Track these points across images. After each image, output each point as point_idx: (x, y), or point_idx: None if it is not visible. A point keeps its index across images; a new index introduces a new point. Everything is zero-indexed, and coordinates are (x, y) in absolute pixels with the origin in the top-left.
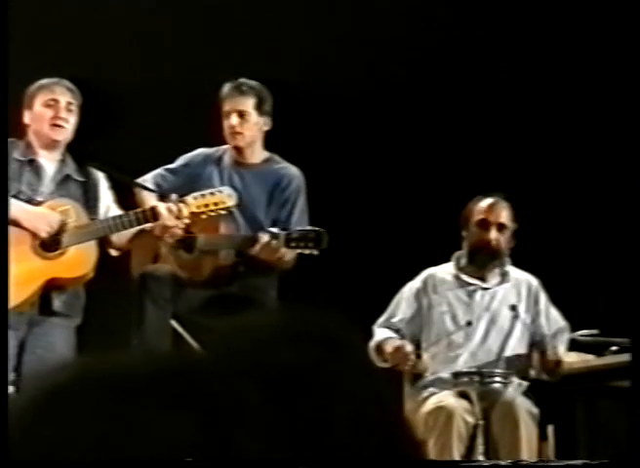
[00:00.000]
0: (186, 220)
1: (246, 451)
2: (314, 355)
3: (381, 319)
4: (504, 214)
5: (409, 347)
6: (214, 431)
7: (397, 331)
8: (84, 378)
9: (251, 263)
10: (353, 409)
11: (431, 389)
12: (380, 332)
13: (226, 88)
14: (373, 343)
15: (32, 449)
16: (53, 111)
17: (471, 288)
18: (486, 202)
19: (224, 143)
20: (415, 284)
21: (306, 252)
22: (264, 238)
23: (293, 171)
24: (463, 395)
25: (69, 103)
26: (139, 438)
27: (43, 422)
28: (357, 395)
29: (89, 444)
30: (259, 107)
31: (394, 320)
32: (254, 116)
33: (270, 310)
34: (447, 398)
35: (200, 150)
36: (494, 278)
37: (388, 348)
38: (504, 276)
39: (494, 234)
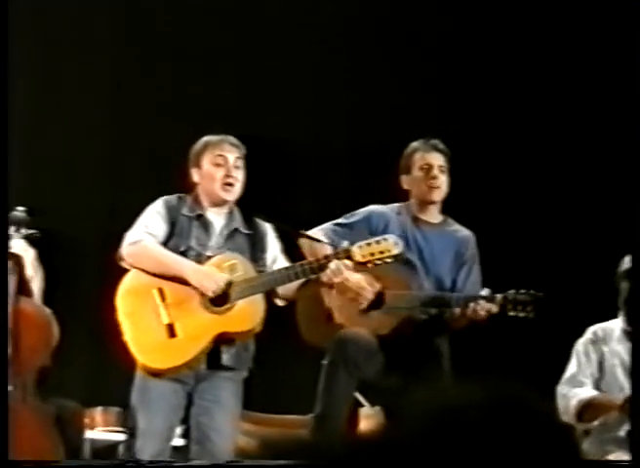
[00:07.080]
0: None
1: None
2: (507, 420)
3: (566, 377)
4: None
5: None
6: None
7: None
8: None
9: (428, 322)
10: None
11: (608, 447)
12: (579, 392)
13: (420, 144)
14: (576, 404)
15: None
16: (223, 170)
17: None
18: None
19: (394, 201)
20: (586, 336)
21: (521, 315)
22: (480, 301)
23: (469, 233)
24: None
25: (237, 159)
26: None
27: None
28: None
29: None
30: (448, 167)
31: (582, 378)
32: (446, 174)
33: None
34: (624, 457)
35: (373, 207)
36: None
37: (609, 406)
38: None
39: None
